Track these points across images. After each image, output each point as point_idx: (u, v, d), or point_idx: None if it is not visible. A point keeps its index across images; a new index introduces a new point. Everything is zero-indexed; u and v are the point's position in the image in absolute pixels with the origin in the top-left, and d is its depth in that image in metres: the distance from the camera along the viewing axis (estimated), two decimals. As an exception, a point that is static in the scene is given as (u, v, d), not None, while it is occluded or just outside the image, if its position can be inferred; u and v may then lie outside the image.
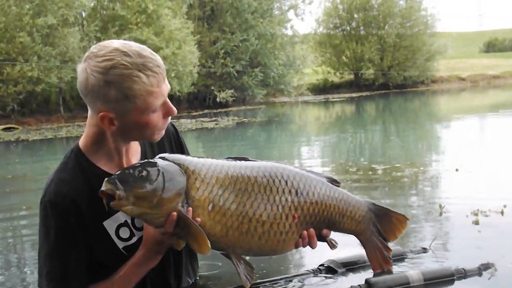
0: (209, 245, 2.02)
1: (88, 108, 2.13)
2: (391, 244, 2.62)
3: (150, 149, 2.37)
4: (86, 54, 2.06)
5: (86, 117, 2.23)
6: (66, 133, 18.40)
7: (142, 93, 2.01)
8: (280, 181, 2.26)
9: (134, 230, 2.22)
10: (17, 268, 3.61)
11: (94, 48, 2.07)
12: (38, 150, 14.20)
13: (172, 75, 26.68)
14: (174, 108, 2.16)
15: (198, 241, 2.03)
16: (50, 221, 2.10)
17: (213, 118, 21.96)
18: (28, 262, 3.68)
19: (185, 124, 18.89)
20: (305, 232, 2.30)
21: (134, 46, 2.06)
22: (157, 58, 2.08)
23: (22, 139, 17.04)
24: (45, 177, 2.20)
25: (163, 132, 2.22)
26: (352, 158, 8.45)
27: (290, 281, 2.62)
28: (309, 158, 9.02)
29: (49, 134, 18.43)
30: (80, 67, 2.05)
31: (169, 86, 2.13)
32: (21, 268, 3.60)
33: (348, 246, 2.81)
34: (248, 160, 2.30)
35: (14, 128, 22.30)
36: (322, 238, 2.39)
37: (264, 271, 2.80)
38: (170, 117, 2.19)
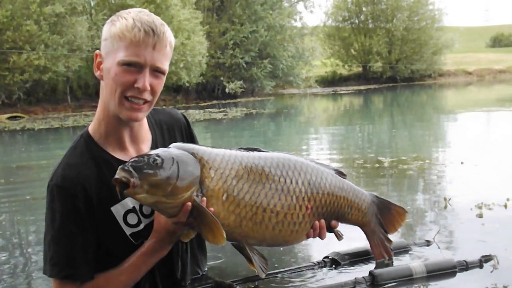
0: (224, 235, 2.01)
1: None
2: (395, 236, 2.65)
3: (161, 138, 2.37)
4: None
5: (93, 106, 2.25)
6: (73, 122, 18.45)
7: (120, 35, 2.05)
8: (293, 172, 2.27)
9: (141, 217, 2.21)
10: (23, 257, 3.62)
11: None
12: (44, 139, 14.22)
13: (181, 65, 26.74)
14: (146, 84, 2.07)
15: (213, 231, 2.01)
16: (56, 205, 2.08)
17: (222, 109, 22.01)
18: (33, 251, 3.68)
19: (194, 114, 18.92)
20: (317, 222, 2.33)
21: (158, 17, 2.15)
22: (160, 29, 2.08)
23: (28, 128, 17.09)
24: (51, 167, 2.19)
25: (139, 115, 2.14)
26: (359, 150, 8.45)
27: (295, 273, 2.63)
28: (317, 149, 9.01)
29: (55, 123, 18.48)
30: None
31: (160, 63, 2.10)
32: (26, 257, 3.61)
33: (352, 239, 2.83)
34: (260, 151, 2.30)
35: (19, 116, 22.38)
36: (330, 229, 2.42)
37: (275, 264, 2.80)
38: (141, 91, 2.07)
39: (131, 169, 1.92)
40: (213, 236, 2.02)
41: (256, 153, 2.26)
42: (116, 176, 1.91)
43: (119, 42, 2.05)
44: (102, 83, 2.16)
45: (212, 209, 2.05)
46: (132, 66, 2.05)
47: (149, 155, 1.99)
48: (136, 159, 1.97)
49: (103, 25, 2.21)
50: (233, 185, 2.12)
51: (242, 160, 2.18)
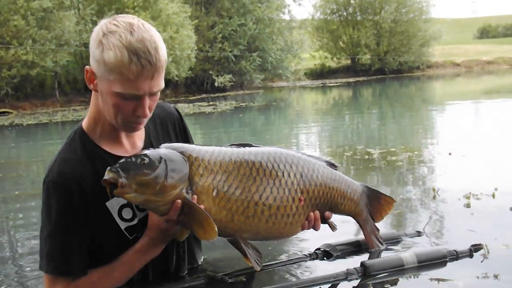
0: (216, 230, 2.04)
1: None
2: (387, 228, 2.69)
3: (155, 131, 2.38)
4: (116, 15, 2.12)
5: (82, 101, 2.25)
6: (62, 117, 18.37)
7: (117, 70, 1.97)
8: (285, 165, 2.30)
9: (136, 211, 2.22)
10: (12, 253, 3.59)
11: (117, 15, 2.13)
12: (32, 134, 14.16)
13: (170, 59, 26.61)
14: (146, 111, 2.08)
15: (204, 226, 2.04)
16: (52, 201, 2.10)
17: (211, 103, 21.99)
18: (22, 247, 3.66)
19: (183, 108, 18.89)
20: (312, 214, 2.37)
21: (148, 32, 2.02)
22: (155, 56, 2.00)
23: (16, 124, 17.01)
24: (40, 162, 2.20)
25: (139, 127, 2.17)
26: (348, 142, 8.48)
27: (287, 265, 2.64)
28: (307, 142, 9.04)
29: (44, 118, 18.39)
30: (103, 21, 2.10)
31: (158, 87, 2.06)
32: (15, 253, 3.59)
33: (343, 231, 2.85)
34: (251, 146, 2.33)
35: (8, 112, 22.26)
36: (324, 221, 2.47)
37: (268, 257, 2.80)
38: (141, 117, 2.10)
39: (118, 169, 1.95)
40: (204, 232, 2.06)
41: (246, 148, 2.29)
42: (105, 177, 1.95)
43: (114, 75, 1.99)
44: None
45: (202, 206, 2.07)
46: (131, 98, 2.03)
47: (137, 156, 2.03)
48: (124, 160, 2.01)
49: (91, 19, 2.20)
50: (222, 180, 2.14)
51: (232, 156, 2.21)
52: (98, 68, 2.03)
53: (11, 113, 22.27)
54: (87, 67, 2.09)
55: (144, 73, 1.98)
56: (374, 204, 2.71)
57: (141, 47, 1.97)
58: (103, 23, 2.06)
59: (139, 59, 1.96)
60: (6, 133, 14.98)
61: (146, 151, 2.08)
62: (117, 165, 1.98)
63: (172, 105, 2.54)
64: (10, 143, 12.64)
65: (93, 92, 2.18)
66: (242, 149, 2.27)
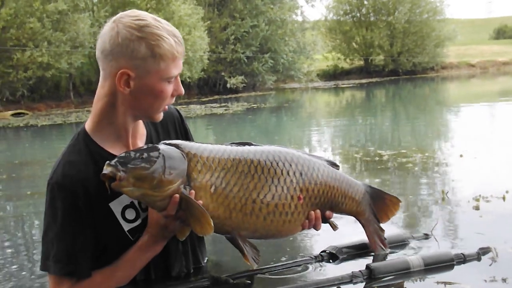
0: (212, 225, 2.05)
1: (102, 73, 2.15)
2: (393, 230, 2.67)
3: (155, 133, 2.40)
4: (115, 17, 2.14)
5: (97, 102, 2.23)
6: (76, 118, 18.52)
7: (169, 55, 2.08)
8: (284, 163, 2.30)
9: (140, 211, 2.23)
10: (25, 253, 3.63)
11: (123, 13, 2.15)
12: (47, 135, 14.31)
13: (182, 60, 26.71)
14: (183, 89, 2.24)
15: (201, 221, 2.05)
16: (58, 203, 2.11)
17: (223, 104, 22.04)
18: (34, 248, 3.69)
19: (195, 109, 18.95)
20: (312, 212, 2.36)
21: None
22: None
23: (31, 124, 17.18)
24: (53, 162, 2.22)
25: (162, 114, 2.25)
26: (360, 143, 8.45)
27: (292, 267, 2.63)
28: (318, 143, 9.03)
29: (58, 119, 18.55)
30: (109, 26, 2.11)
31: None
32: (28, 253, 3.62)
33: (349, 233, 2.85)
34: (252, 145, 2.33)
35: (23, 113, 22.49)
36: (325, 220, 2.46)
37: (273, 259, 2.80)
38: (174, 98, 2.24)
39: (117, 163, 1.98)
40: (200, 227, 2.07)
41: (246, 147, 2.30)
42: (104, 171, 1.97)
43: (168, 61, 2.10)
44: (121, 95, 2.13)
45: (200, 201, 2.08)
46: (172, 80, 2.16)
47: (135, 150, 2.06)
48: (123, 154, 2.03)
49: (105, 21, 2.19)
50: (221, 177, 2.15)
51: (231, 153, 2.22)
52: (142, 64, 2.07)
53: (27, 114, 22.48)
54: (121, 71, 2.07)
55: (183, 50, 2.18)
56: (379, 204, 2.67)
57: (172, 29, 2.15)
58: (122, 25, 2.07)
59: (177, 37, 2.14)
60: (21, 134, 15.14)
61: (145, 146, 2.12)
62: (116, 159, 2.00)
63: (172, 106, 2.54)
64: (25, 143, 12.79)
65: (99, 94, 2.19)
66: (241, 147, 2.28)
